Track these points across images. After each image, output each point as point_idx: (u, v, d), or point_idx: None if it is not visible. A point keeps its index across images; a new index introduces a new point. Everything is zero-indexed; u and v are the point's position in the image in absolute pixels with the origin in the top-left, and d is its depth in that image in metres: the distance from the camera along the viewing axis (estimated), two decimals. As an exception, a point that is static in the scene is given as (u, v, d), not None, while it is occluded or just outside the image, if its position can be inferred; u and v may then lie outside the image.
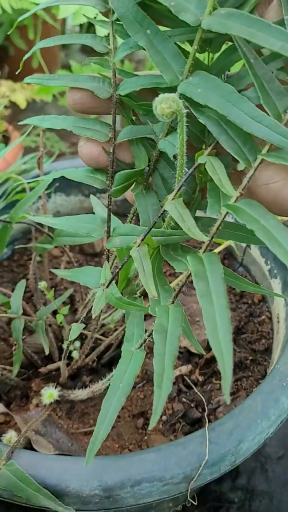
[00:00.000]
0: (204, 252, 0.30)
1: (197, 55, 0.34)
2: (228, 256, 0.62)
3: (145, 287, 0.32)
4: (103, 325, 0.52)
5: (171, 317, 0.31)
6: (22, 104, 0.93)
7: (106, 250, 0.43)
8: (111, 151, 0.38)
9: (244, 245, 0.59)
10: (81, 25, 1.33)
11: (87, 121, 0.38)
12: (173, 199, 0.32)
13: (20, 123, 0.38)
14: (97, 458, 0.34)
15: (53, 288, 0.58)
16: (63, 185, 0.63)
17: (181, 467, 0.33)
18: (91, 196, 0.47)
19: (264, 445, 0.68)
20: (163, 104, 0.28)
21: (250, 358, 0.50)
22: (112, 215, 0.44)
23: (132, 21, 0.32)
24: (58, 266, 0.61)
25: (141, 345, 0.35)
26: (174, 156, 0.34)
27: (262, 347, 0.51)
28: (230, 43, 0.33)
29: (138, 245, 0.34)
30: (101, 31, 0.73)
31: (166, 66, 0.32)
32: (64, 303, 0.57)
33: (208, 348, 0.52)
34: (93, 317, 0.35)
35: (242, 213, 0.28)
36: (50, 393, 0.44)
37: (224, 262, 0.61)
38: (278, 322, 0.49)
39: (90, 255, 0.63)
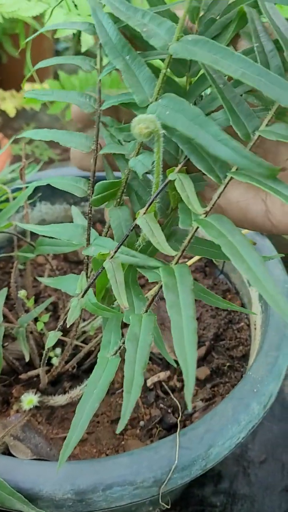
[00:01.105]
0: (176, 263, 0.32)
1: (179, 80, 0.36)
2: (209, 264, 0.63)
3: (116, 297, 0.33)
4: (84, 332, 0.53)
5: (143, 325, 0.32)
6: (12, 113, 0.95)
7: (85, 258, 0.44)
8: (93, 162, 0.40)
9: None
10: (74, 33, 1.35)
11: (73, 134, 0.40)
12: (144, 213, 0.33)
13: (18, 136, 0.41)
14: (71, 463, 0.35)
15: (34, 296, 0.59)
16: (48, 194, 0.65)
17: (152, 471, 0.34)
18: (72, 207, 0.48)
19: (247, 449, 0.70)
20: (141, 125, 0.29)
21: (228, 364, 0.51)
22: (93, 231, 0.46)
23: (113, 48, 0.34)
24: (42, 274, 0.62)
25: (116, 352, 0.36)
26: (147, 173, 0.35)
27: (239, 353, 0.52)
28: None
29: (111, 257, 0.35)
30: (88, 41, 0.75)
31: (139, 88, 0.34)
32: (48, 310, 0.58)
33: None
34: (67, 326, 0.37)
35: (210, 228, 0.29)
36: (29, 399, 0.45)
37: (205, 269, 0.63)
38: (255, 329, 0.51)
39: (74, 262, 0.65)
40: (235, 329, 0.55)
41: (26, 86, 0.92)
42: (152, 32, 0.31)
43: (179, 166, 0.33)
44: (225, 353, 0.52)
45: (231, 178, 0.30)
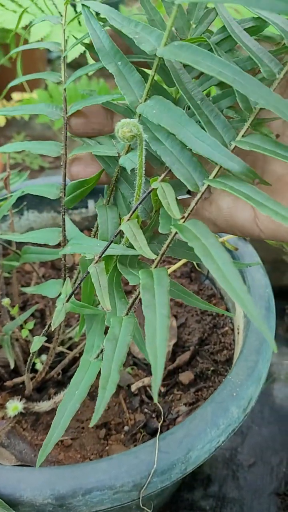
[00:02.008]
0: (155, 267, 0.33)
1: (169, 89, 0.38)
2: (195, 270, 0.64)
3: (100, 300, 0.34)
4: (70, 338, 0.54)
5: (123, 327, 0.34)
6: (1, 122, 0.96)
7: (62, 259, 0.45)
8: (63, 165, 0.41)
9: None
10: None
11: (42, 142, 0.42)
12: (128, 219, 0.34)
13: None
14: (52, 468, 0.35)
15: (22, 304, 0.59)
16: (36, 202, 0.65)
17: (131, 476, 0.34)
18: (66, 221, 0.48)
19: (236, 453, 0.70)
20: (125, 128, 0.31)
21: (212, 368, 0.52)
22: (74, 227, 0.47)
23: (106, 53, 0.37)
24: (30, 281, 0.62)
25: (98, 355, 0.37)
26: (132, 170, 0.36)
27: (223, 357, 0.53)
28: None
29: (96, 262, 0.36)
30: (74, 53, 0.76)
31: (129, 90, 0.36)
32: (35, 317, 0.59)
33: (171, 360, 0.54)
34: (52, 329, 0.37)
35: (186, 232, 0.30)
36: (14, 406, 0.45)
37: (191, 275, 0.64)
38: (238, 333, 0.51)
39: (61, 268, 0.65)
40: (220, 334, 0.55)
41: (16, 96, 0.93)
42: (144, 39, 0.34)
43: (162, 175, 0.34)
44: (209, 358, 0.53)
45: (208, 186, 0.32)
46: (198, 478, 0.67)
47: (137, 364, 0.53)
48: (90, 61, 0.66)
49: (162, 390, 0.50)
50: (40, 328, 0.57)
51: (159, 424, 0.44)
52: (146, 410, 0.48)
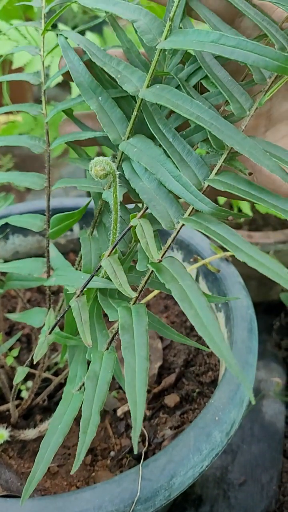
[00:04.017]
0: (134, 303, 0.33)
1: None
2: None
3: (81, 335, 0.34)
4: (56, 363, 0.54)
5: (103, 363, 0.34)
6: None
7: (47, 290, 0.46)
8: (46, 198, 0.42)
9: (193, 277, 0.62)
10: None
11: (26, 174, 0.42)
12: (108, 255, 0.35)
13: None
14: (35, 499, 0.35)
15: (8, 329, 0.60)
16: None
17: (115, 504, 0.34)
18: (51, 248, 0.49)
19: (227, 472, 0.70)
20: (97, 167, 0.31)
21: (197, 390, 0.52)
22: (59, 255, 0.47)
23: (86, 88, 0.37)
24: (15, 306, 0.63)
25: (80, 388, 0.37)
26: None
27: (209, 379, 0.53)
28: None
29: (78, 296, 0.36)
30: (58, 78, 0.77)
31: (112, 127, 0.36)
32: (21, 342, 0.59)
33: (157, 382, 0.54)
34: (34, 362, 0.38)
35: (164, 273, 0.31)
36: (0, 434, 0.45)
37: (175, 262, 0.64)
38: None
39: (46, 293, 0.65)
40: (205, 355, 0.56)
41: (1, 118, 0.94)
42: (126, 79, 0.35)
43: (141, 212, 0.34)
44: (194, 379, 0.53)
45: (183, 224, 0.32)
46: (190, 499, 0.66)
47: (122, 388, 0.53)
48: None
49: (148, 413, 0.50)
50: (26, 353, 0.58)
51: (144, 450, 0.44)
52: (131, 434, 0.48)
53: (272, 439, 0.72)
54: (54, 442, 0.34)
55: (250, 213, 0.82)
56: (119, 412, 0.50)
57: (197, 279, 0.60)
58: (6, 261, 0.68)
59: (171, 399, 0.51)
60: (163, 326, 0.38)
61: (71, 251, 0.68)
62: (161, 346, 0.57)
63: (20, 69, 0.71)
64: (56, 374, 0.53)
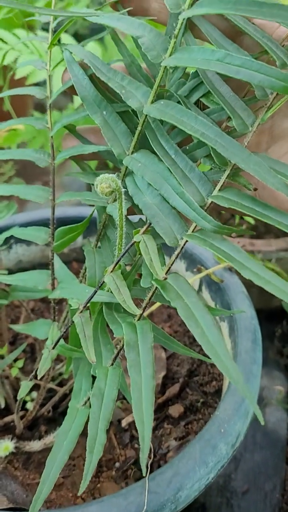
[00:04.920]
0: (138, 319, 0.33)
1: None
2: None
3: (85, 351, 0.34)
4: (60, 374, 0.54)
5: (108, 379, 0.34)
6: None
7: (52, 302, 0.46)
8: (52, 211, 0.42)
9: (196, 287, 0.62)
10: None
11: (31, 187, 0.43)
12: (112, 271, 0.35)
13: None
14: (42, 514, 0.35)
15: (12, 338, 0.60)
16: (24, 235, 0.66)
17: (121, 519, 0.34)
18: (55, 260, 0.49)
19: (230, 479, 0.70)
20: (103, 184, 0.31)
21: (201, 400, 0.52)
22: (63, 266, 0.47)
23: (91, 103, 0.37)
24: (19, 315, 0.63)
25: (85, 403, 0.37)
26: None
27: (212, 389, 0.53)
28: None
29: (81, 311, 0.37)
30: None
31: (116, 142, 0.36)
32: (25, 352, 0.59)
33: (161, 392, 0.54)
34: (38, 378, 0.38)
35: (168, 290, 0.31)
36: (5, 446, 0.45)
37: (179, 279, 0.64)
38: (226, 365, 0.52)
39: (51, 302, 0.66)
40: (209, 364, 0.56)
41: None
42: (130, 94, 0.35)
43: (144, 227, 0.35)
44: (198, 389, 0.54)
45: (186, 241, 0.32)
46: (193, 507, 0.66)
47: (126, 398, 0.53)
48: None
49: (152, 424, 0.50)
50: (30, 362, 0.58)
51: (149, 462, 0.44)
52: (136, 445, 0.48)
53: (275, 447, 0.72)
54: (59, 459, 0.34)
55: (252, 221, 0.82)
56: (124, 423, 0.50)
57: (200, 289, 0.60)
58: (9, 270, 0.68)
59: (175, 410, 0.51)
60: (168, 339, 0.38)
61: (74, 260, 0.69)
62: (165, 355, 0.57)
63: (23, 79, 0.72)
64: (60, 384, 0.53)
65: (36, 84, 0.84)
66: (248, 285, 0.59)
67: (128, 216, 0.40)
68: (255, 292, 0.54)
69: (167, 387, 0.54)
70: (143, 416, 0.26)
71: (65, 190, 1.20)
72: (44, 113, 0.88)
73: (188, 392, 0.53)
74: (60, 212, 0.64)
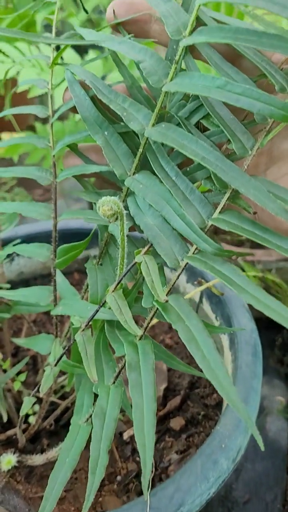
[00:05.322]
0: (140, 339, 0.34)
1: None
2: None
3: (86, 370, 0.35)
4: (62, 386, 0.54)
5: (110, 398, 0.34)
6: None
7: (55, 318, 0.46)
8: (53, 229, 0.43)
9: (197, 299, 0.63)
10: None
11: (34, 204, 0.43)
12: (113, 291, 0.35)
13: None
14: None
15: (14, 350, 0.60)
16: (26, 247, 0.67)
17: (123, 536, 0.35)
18: (57, 274, 0.50)
19: (231, 489, 0.71)
20: (105, 207, 0.32)
21: (202, 413, 0.53)
22: (67, 283, 0.48)
23: (92, 123, 0.37)
24: (21, 327, 0.63)
25: (87, 419, 0.38)
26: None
27: (213, 401, 0.54)
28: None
29: (83, 330, 0.37)
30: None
31: (118, 163, 0.37)
32: (27, 364, 0.60)
33: (163, 404, 0.55)
34: (41, 395, 0.38)
35: (170, 312, 0.31)
36: (8, 460, 0.46)
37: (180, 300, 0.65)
38: (227, 377, 0.52)
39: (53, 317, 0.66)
40: (209, 376, 0.56)
41: (4, 136, 0.95)
42: (132, 117, 0.35)
43: (146, 248, 0.35)
44: (199, 401, 0.54)
45: (187, 263, 0.33)
46: (194, 517, 0.67)
47: (127, 412, 0.53)
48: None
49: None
50: (32, 374, 0.58)
51: (151, 476, 0.45)
52: (138, 458, 0.48)
53: (276, 456, 0.72)
54: (62, 477, 0.34)
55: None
56: (125, 436, 0.50)
57: (201, 301, 0.60)
58: (11, 281, 0.69)
59: (176, 422, 0.51)
60: (169, 356, 0.38)
61: (75, 271, 0.69)
62: (166, 367, 0.58)
63: (25, 92, 0.72)
64: (63, 397, 0.53)
65: (39, 96, 0.85)
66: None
67: (130, 233, 0.41)
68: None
69: (168, 399, 0.55)
70: (144, 440, 0.27)
71: (66, 197, 1.20)
72: (45, 124, 0.88)
73: (189, 404, 0.54)
74: (62, 224, 0.64)
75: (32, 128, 0.94)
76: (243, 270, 0.59)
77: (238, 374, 0.47)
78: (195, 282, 0.59)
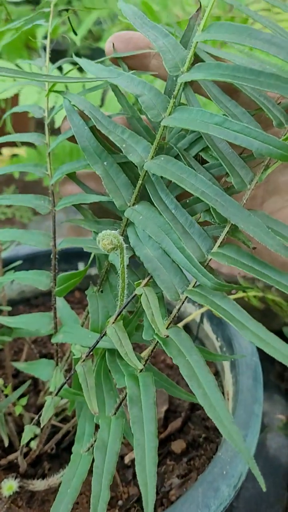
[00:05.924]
0: (141, 371, 0.34)
1: None
2: (185, 328, 0.65)
3: (87, 401, 0.35)
4: (64, 409, 0.54)
5: (111, 431, 0.34)
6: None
7: (56, 346, 0.47)
8: (53, 257, 0.43)
9: (198, 319, 0.63)
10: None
11: (31, 232, 0.43)
12: (113, 322, 0.36)
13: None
14: None
15: (15, 371, 0.60)
16: (27, 266, 0.67)
17: None
18: (57, 298, 0.50)
19: (232, 508, 0.71)
20: (105, 241, 0.32)
21: (203, 435, 0.53)
22: (68, 308, 0.48)
23: (92, 153, 0.37)
24: (22, 346, 0.63)
25: (88, 449, 0.38)
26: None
27: (214, 424, 0.54)
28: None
29: (83, 360, 0.37)
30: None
31: (117, 194, 0.37)
32: (28, 385, 0.60)
33: (164, 426, 0.55)
34: (41, 426, 0.38)
35: (170, 346, 0.31)
36: (9, 485, 0.46)
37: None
38: (228, 399, 0.52)
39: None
40: (210, 397, 0.56)
41: (6, 151, 0.95)
42: (131, 149, 0.35)
43: (146, 280, 0.35)
44: (200, 423, 0.54)
45: (186, 297, 0.33)
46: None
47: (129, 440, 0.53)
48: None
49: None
50: (33, 395, 0.58)
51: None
52: (139, 482, 0.48)
53: (277, 474, 0.72)
54: (63, 509, 0.34)
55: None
56: (127, 459, 0.50)
57: (201, 321, 0.60)
58: (12, 300, 0.69)
59: (177, 445, 0.51)
60: (171, 385, 0.39)
61: (76, 289, 0.69)
62: (167, 388, 0.58)
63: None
64: (64, 419, 0.53)
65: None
66: (251, 308, 0.59)
67: (131, 259, 0.41)
68: (257, 316, 0.54)
69: (169, 421, 0.55)
70: (146, 478, 0.27)
71: (65, 208, 1.20)
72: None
73: (191, 426, 0.54)
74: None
75: (32, 144, 0.95)
76: (244, 291, 0.59)
77: (239, 398, 0.47)
78: (196, 303, 0.59)
